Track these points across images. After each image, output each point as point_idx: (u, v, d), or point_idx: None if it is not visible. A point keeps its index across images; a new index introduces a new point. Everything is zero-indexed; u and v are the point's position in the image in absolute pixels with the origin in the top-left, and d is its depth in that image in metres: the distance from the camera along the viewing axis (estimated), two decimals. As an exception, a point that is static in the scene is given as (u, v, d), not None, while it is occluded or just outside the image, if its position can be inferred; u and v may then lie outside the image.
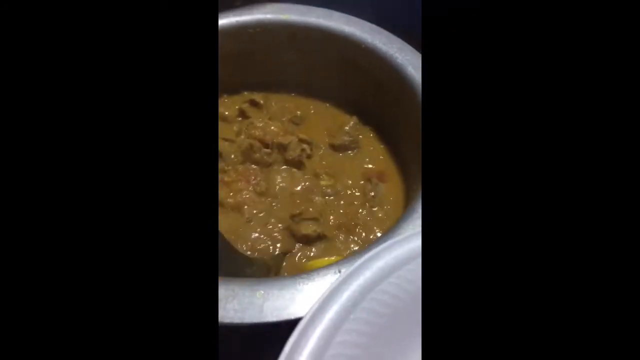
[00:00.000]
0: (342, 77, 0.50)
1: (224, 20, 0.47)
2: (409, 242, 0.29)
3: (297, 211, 0.43)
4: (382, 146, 0.50)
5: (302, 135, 0.48)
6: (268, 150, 0.47)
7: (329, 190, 0.46)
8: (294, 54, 0.50)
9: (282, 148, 0.47)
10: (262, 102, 0.51)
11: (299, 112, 0.52)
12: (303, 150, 0.47)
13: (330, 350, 0.23)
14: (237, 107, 0.51)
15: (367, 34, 0.45)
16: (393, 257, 0.28)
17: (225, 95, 0.53)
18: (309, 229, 0.42)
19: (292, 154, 0.47)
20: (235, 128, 0.50)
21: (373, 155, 0.49)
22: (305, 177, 0.47)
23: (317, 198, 0.45)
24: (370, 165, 0.48)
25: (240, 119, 0.51)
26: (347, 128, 0.49)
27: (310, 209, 0.43)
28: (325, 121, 0.52)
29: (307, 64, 0.50)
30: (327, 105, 0.53)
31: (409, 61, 0.43)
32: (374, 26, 0.46)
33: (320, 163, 0.48)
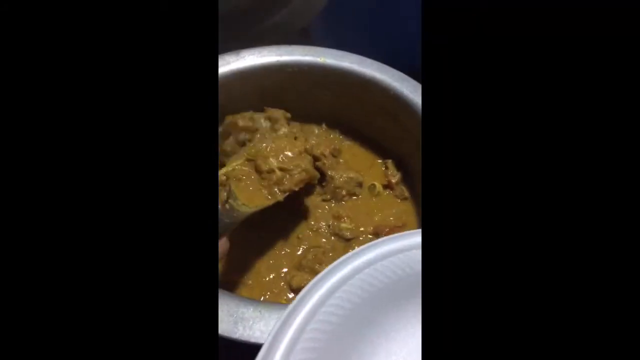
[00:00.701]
0: (371, 119, 0.54)
1: (266, 59, 0.51)
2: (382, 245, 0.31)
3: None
4: (406, 194, 0.52)
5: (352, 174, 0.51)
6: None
7: (347, 234, 0.48)
8: (328, 93, 0.54)
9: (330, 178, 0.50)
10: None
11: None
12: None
13: (300, 344, 0.26)
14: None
15: (397, 82, 0.49)
16: (368, 257, 0.31)
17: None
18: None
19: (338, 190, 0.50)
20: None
21: (398, 206, 0.51)
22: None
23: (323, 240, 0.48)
24: (390, 218, 0.50)
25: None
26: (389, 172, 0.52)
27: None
28: (355, 160, 0.55)
29: (339, 103, 0.55)
30: (354, 142, 0.57)
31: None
32: (403, 75, 0.50)
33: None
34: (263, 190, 0.41)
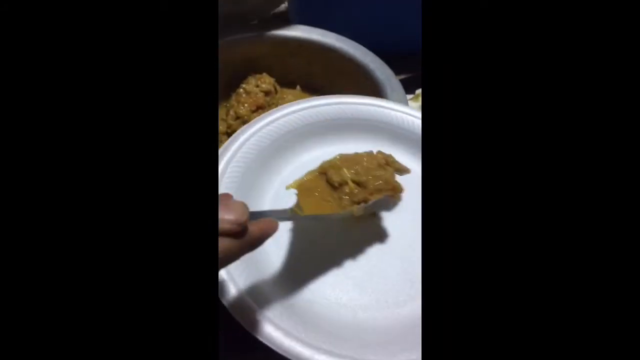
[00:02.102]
0: (332, 78, 0.67)
1: (249, 33, 0.65)
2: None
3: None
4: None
5: None
6: None
7: None
8: (300, 60, 0.67)
9: None
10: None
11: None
12: None
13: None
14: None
15: (351, 49, 0.63)
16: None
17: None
18: None
19: None
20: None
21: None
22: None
23: None
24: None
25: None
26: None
27: None
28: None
29: (308, 68, 0.68)
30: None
31: (377, 68, 0.60)
32: (356, 43, 0.63)
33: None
34: (332, 201, 0.37)
